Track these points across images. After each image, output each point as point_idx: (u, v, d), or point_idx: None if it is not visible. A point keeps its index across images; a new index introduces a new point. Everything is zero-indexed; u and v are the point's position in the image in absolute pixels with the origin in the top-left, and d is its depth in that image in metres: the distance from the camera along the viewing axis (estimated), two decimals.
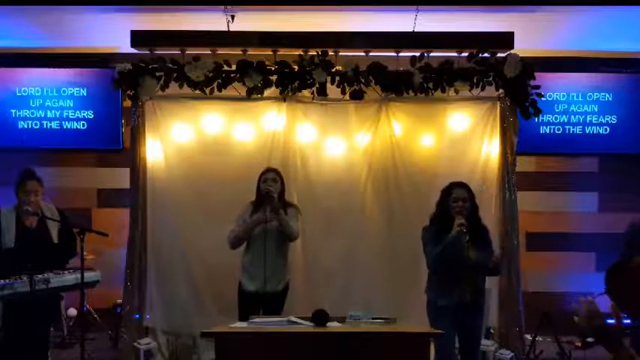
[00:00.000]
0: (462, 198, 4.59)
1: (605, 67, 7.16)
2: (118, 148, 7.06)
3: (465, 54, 5.63)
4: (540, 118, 6.61)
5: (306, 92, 5.71)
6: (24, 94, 7.15)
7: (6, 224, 4.65)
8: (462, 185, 4.68)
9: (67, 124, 7.14)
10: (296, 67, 5.59)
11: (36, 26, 6.44)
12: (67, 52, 7.03)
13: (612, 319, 2.37)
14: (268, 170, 5.12)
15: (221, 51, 5.69)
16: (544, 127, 7.14)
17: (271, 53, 5.66)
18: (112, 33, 6.29)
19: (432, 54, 5.63)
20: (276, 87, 5.65)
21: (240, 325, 4.18)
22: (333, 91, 5.65)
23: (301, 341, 3.78)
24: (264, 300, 4.89)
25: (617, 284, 4.51)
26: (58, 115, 7.15)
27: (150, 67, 5.61)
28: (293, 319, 4.06)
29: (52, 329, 5.32)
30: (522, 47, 5.66)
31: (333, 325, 4.05)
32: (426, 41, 5.70)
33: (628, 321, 2.46)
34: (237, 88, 5.66)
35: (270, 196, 4.92)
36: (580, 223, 7.25)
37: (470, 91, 5.65)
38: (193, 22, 5.92)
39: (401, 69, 5.62)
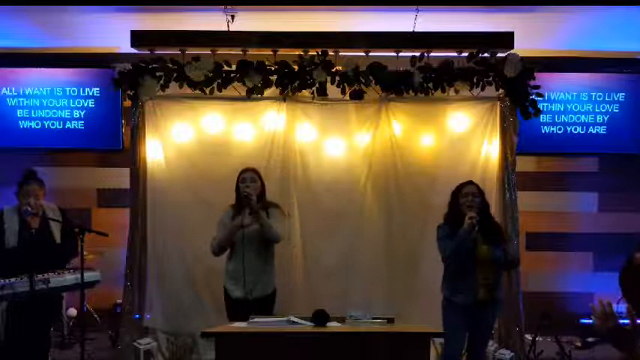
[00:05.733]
0: (472, 193, 4.71)
1: (605, 67, 7.15)
2: (118, 148, 7.04)
3: (465, 54, 5.64)
4: (540, 118, 6.61)
5: (306, 92, 5.72)
6: (24, 94, 7.14)
7: (9, 225, 4.65)
8: (471, 183, 4.81)
9: (67, 124, 7.12)
10: (296, 67, 5.60)
11: (36, 26, 6.44)
12: (67, 52, 7.01)
13: (627, 320, 2.39)
14: (246, 170, 5.00)
15: (221, 51, 5.69)
16: (544, 127, 7.14)
17: (271, 53, 5.67)
18: (112, 33, 6.28)
19: (432, 54, 5.64)
20: (276, 87, 5.66)
21: (240, 325, 4.18)
22: (333, 91, 5.65)
23: (301, 341, 3.78)
24: (251, 306, 4.69)
25: (626, 281, 4.55)
26: (58, 115, 7.14)
27: (150, 67, 5.62)
28: (293, 319, 4.06)
29: (52, 329, 5.31)
30: (522, 47, 5.67)
31: (333, 325, 4.05)
32: (426, 41, 5.70)
33: None
34: (237, 88, 5.66)
35: (249, 198, 4.78)
36: (580, 223, 7.25)
37: (470, 91, 5.66)
38: (193, 22, 5.92)
39: (401, 69, 5.63)
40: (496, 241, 4.70)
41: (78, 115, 7.14)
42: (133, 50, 5.86)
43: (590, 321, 6.71)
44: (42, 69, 7.14)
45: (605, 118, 7.17)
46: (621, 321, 2.41)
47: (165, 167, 5.86)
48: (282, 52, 5.69)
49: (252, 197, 4.79)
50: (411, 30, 5.82)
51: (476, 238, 4.59)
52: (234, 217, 4.89)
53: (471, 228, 4.53)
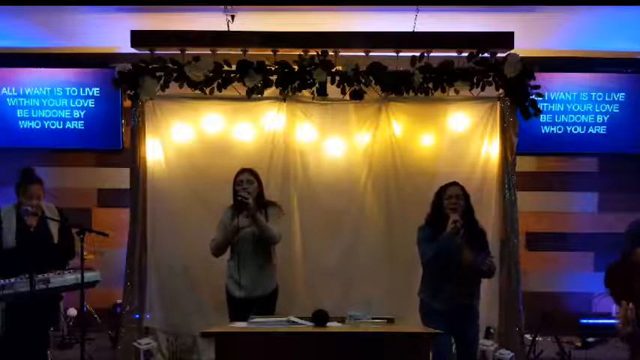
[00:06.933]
0: (456, 195, 4.61)
1: (605, 67, 7.16)
2: (118, 148, 7.05)
3: (465, 54, 5.64)
4: (540, 118, 6.62)
5: (306, 92, 5.72)
6: (24, 94, 7.15)
7: (7, 224, 4.64)
8: (455, 184, 4.72)
9: (67, 124, 7.14)
10: (296, 67, 5.60)
11: (36, 26, 6.44)
12: (67, 52, 7.03)
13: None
14: (242, 171, 4.98)
15: (221, 51, 5.70)
16: (544, 127, 7.14)
17: (271, 53, 5.67)
18: (112, 33, 6.29)
19: (432, 54, 5.64)
20: (276, 87, 5.66)
21: (240, 325, 4.18)
22: (333, 91, 5.65)
23: (301, 341, 3.78)
24: (253, 305, 4.73)
25: (619, 275, 4.52)
26: (58, 115, 7.15)
27: (150, 67, 5.62)
28: (293, 319, 4.06)
29: (52, 329, 5.32)
30: (522, 47, 5.67)
31: (333, 325, 4.05)
32: (426, 41, 5.70)
33: None
34: (237, 88, 5.66)
35: (244, 202, 4.75)
36: (580, 223, 7.26)
37: (470, 91, 5.66)
38: (193, 22, 5.92)
39: (401, 69, 5.63)
40: (479, 246, 4.62)
41: (78, 115, 7.15)
42: (133, 50, 5.86)
43: (590, 321, 6.75)
44: (42, 69, 7.15)
45: (605, 118, 7.17)
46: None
47: (166, 167, 5.86)
48: (282, 52, 5.69)
49: (248, 200, 4.76)
50: (411, 30, 5.82)
51: (458, 243, 4.51)
52: (232, 219, 4.88)
53: (454, 232, 4.45)
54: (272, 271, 4.99)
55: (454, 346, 4.74)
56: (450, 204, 4.58)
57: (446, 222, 4.49)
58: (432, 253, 4.53)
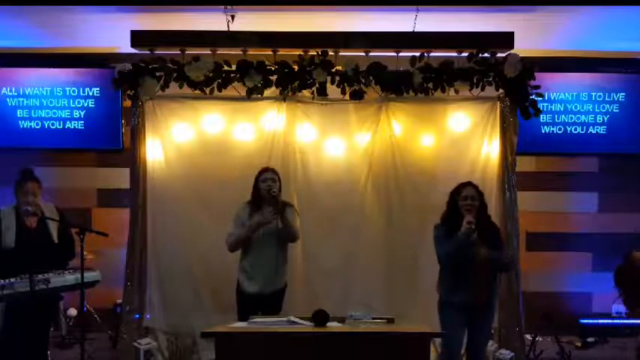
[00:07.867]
0: (471, 196, 4.66)
1: (605, 67, 7.16)
2: (118, 148, 7.06)
3: (465, 54, 5.64)
4: (540, 118, 6.61)
5: (306, 92, 5.72)
6: (24, 94, 7.15)
7: (6, 224, 4.64)
8: (469, 184, 4.76)
9: (67, 124, 7.14)
10: (296, 67, 5.60)
11: (36, 26, 6.44)
12: (67, 52, 7.03)
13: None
14: (267, 170, 5.09)
15: (221, 51, 5.70)
16: (544, 127, 7.14)
17: (271, 53, 5.67)
18: (112, 33, 6.29)
19: (432, 54, 5.64)
20: (276, 87, 5.67)
21: (240, 325, 4.19)
22: (333, 91, 5.65)
23: (301, 341, 3.79)
24: (264, 301, 4.88)
25: (624, 278, 4.54)
26: (58, 115, 7.15)
27: (150, 67, 5.62)
28: (293, 319, 4.06)
29: (52, 329, 5.32)
30: (522, 47, 5.67)
31: (333, 325, 4.05)
32: (426, 41, 5.70)
33: None
34: (237, 88, 5.67)
35: (275, 197, 4.89)
36: (580, 224, 7.25)
37: (470, 91, 5.66)
38: (193, 22, 5.93)
39: (401, 69, 5.63)
40: (493, 243, 4.68)
41: (78, 115, 7.15)
42: (133, 50, 5.87)
43: (590, 321, 6.74)
44: (42, 69, 7.15)
45: (605, 118, 7.17)
46: (621, 321, 2.43)
47: (166, 167, 5.86)
48: (282, 52, 5.69)
49: (280, 197, 4.93)
50: (411, 30, 5.82)
51: (473, 241, 4.56)
52: (251, 215, 4.95)
53: (469, 232, 4.51)
54: (287, 266, 5.12)
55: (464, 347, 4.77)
56: (464, 205, 4.63)
57: (461, 221, 4.55)
58: (447, 252, 4.58)
